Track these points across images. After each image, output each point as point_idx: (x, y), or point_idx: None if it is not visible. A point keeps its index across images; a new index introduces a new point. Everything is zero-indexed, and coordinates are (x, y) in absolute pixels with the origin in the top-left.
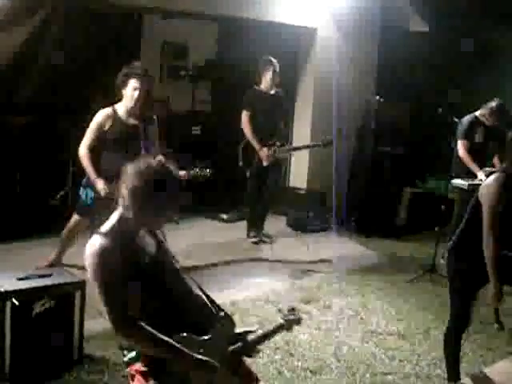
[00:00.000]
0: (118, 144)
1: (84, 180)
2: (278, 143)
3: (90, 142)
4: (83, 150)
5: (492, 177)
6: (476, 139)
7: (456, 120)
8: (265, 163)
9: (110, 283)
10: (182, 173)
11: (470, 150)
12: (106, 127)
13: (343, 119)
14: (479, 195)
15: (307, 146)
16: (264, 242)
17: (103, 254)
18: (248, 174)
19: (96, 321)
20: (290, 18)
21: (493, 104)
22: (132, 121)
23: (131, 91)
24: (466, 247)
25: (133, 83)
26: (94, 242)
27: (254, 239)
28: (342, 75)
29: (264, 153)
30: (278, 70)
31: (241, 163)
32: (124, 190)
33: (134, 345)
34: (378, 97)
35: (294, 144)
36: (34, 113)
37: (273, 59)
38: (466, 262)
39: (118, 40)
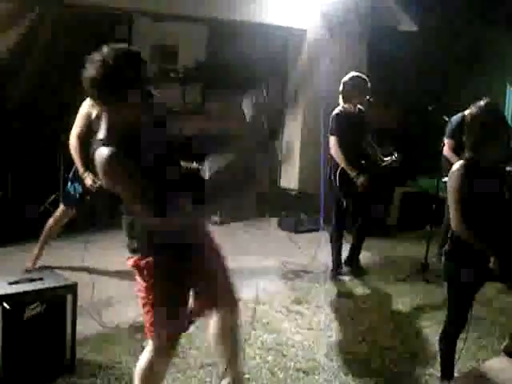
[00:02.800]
0: None
1: (71, 174)
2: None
3: (78, 130)
4: (72, 140)
5: (453, 167)
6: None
7: (446, 119)
8: (359, 190)
9: (132, 180)
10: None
11: (459, 149)
12: (93, 116)
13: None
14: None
15: (386, 164)
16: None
17: (115, 160)
18: (345, 202)
19: (88, 324)
20: (279, 19)
21: (482, 103)
22: None
23: None
24: (458, 248)
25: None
26: (103, 152)
27: (346, 276)
28: (331, 76)
29: (361, 181)
30: (367, 86)
31: (338, 190)
32: None
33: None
34: (367, 97)
35: None
36: (23, 118)
37: (359, 75)
38: (461, 263)
39: (107, 43)
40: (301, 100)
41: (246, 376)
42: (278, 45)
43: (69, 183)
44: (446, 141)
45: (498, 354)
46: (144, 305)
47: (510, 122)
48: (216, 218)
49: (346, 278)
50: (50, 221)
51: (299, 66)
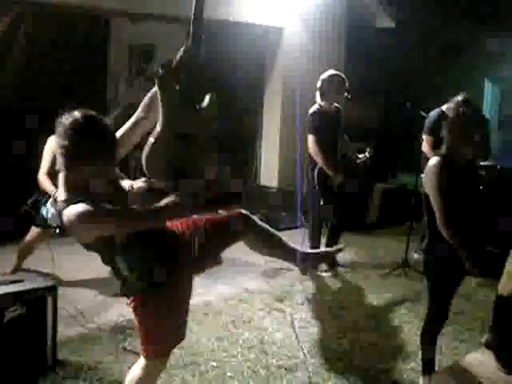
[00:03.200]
0: None
1: (44, 199)
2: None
3: (45, 169)
4: (41, 178)
5: (430, 163)
6: (442, 134)
7: (423, 115)
8: (334, 189)
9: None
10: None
11: (438, 145)
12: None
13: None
14: (424, 186)
15: (360, 162)
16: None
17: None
18: (322, 200)
19: (69, 325)
20: (256, 17)
21: (459, 98)
22: None
23: None
24: (437, 242)
25: None
26: (76, 208)
27: (326, 273)
28: (308, 73)
29: (338, 179)
30: (344, 85)
31: (317, 188)
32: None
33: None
34: (345, 94)
35: None
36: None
37: (337, 74)
38: (440, 258)
39: (86, 44)
40: (278, 97)
41: (228, 374)
42: (256, 43)
43: (42, 207)
44: (424, 137)
45: (478, 347)
46: (139, 329)
47: (487, 116)
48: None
49: (326, 275)
50: (25, 240)
51: (277, 64)
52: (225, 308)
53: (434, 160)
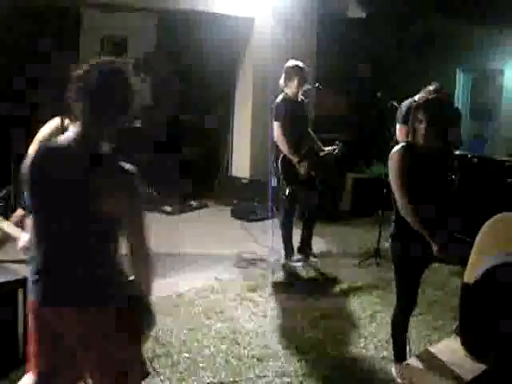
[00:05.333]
0: None
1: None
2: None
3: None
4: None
5: (392, 151)
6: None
7: (395, 105)
8: (302, 178)
9: None
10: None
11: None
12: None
13: None
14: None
15: (328, 153)
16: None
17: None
18: (289, 189)
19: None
20: (227, 8)
21: (431, 88)
22: None
23: None
24: (401, 229)
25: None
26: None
27: (298, 263)
28: (280, 64)
29: (304, 167)
30: (305, 75)
31: (282, 177)
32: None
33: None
34: (317, 84)
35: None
36: None
37: (298, 64)
38: (405, 244)
39: (56, 35)
40: (249, 88)
41: (200, 365)
42: (227, 34)
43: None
44: (398, 127)
45: (450, 335)
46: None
47: (460, 106)
48: (167, 208)
49: (299, 265)
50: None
51: (248, 54)
52: (197, 299)
53: (396, 147)
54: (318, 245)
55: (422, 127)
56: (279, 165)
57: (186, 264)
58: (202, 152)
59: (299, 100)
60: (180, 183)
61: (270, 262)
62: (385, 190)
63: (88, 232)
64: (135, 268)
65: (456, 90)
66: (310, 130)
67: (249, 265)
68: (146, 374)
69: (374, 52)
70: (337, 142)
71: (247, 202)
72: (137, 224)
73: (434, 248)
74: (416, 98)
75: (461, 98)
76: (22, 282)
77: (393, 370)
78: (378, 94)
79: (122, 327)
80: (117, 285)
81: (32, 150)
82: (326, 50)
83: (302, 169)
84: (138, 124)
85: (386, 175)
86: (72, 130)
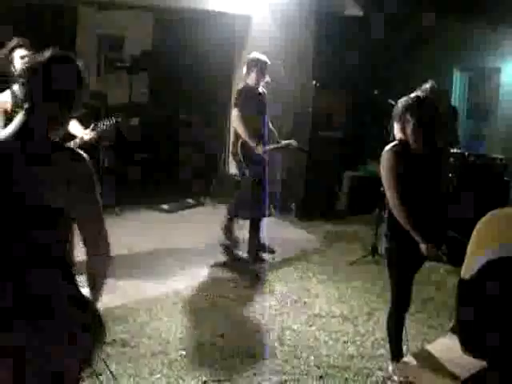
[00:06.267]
0: None
1: None
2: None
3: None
4: None
5: (385, 149)
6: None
7: (392, 102)
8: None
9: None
10: (87, 134)
11: None
12: (9, 110)
13: (279, 105)
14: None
15: (284, 146)
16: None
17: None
18: (247, 172)
19: None
20: (224, 6)
21: (427, 86)
22: None
23: (19, 60)
24: (394, 228)
25: (19, 53)
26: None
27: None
28: (277, 62)
29: (261, 150)
30: (264, 67)
31: (243, 163)
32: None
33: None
34: (314, 82)
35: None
36: None
37: (260, 57)
38: (398, 243)
39: (53, 33)
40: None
41: (197, 363)
42: (224, 32)
43: None
44: (395, 125)
45: (446, 333)
46: None
47: (456, 104)
48: (164, 206)
49: (298, 262)
50: None
51: (245, 52)
52: (194, 296)
53: (388, 146)
54: (315, 243)
55: (409, 128)
56: (238, 150)
57: (182, 262)
58: (199, 150)
59: (259, 91)
60: (177, 181)
61: (265, 259)
62: (381, 189)
63: (28, 231)
64: (88, 269)
65: (453, 89)
66: (269, 121)
67: (246, 263)
68: None
69: (371, 50)
70: (293, 142)
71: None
72: (89, 218)
73: (422, 247)
74: (412, 96)
75: (457, 96)
76: None
77: (389, 367)
78: (375, 92)
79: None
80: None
81: None
82: (323, 48)
83: (259, 150)
84: (135, 122)
85: None
86: (16, 120)
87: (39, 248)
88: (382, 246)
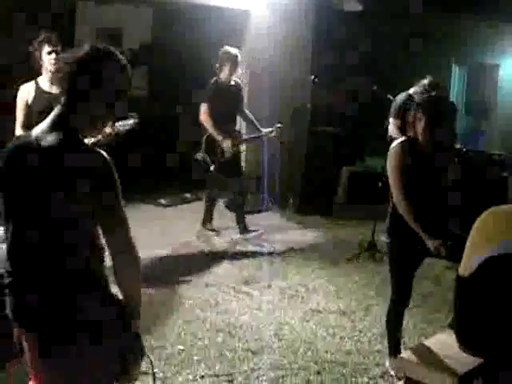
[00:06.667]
0: (44, 115)
1: None
2: (237, 133)
3: (21, 120)
4: (19, 131)
5: (392, 145)
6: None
7: (391, 98)
8: (227, 154)
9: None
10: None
11: (405, 128)
12: (30, 100)
13: (278, 100)
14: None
15: (267, 134)
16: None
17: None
18: (213, 166)
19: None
20: (223, 0)
21: (425, 82)
22: (56, 89)
23: (46, 56)
24: (397, 224)
25: (46, 48)
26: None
27: (211, 232)
28: (276, 57)
29: (228, 144)
30: (238, 61)
31: (206, 157)
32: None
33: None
34: (313, 77)
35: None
36: None
37: (233, 51)
38: (401, 239)
39: (51, 27)
40: (245, 81)
41: (195, 358)
42: (222, 26)
43: None
44: (391, 120)
45: (444, 329)
46: None
47: (454, 100)
48: (162, 201)
49: (295, 258)
50: None
51: (244, 47)
52: (191, 291)
53: (396, 141)
54: (313, 239)
55: (421, 126)
56: (203, 143)
57: (180, 256)
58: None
59: (231, 84)
60: (175, 176)
61: (264, 254)
62: (380, 184)
63: (54, 241)
64: (117, 276)
65: (451, 85)
66: (247, 111)
67: (244, 257)
68: None
69: (370, 45)
70: (277, 125)
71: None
72: (112, 220)
73: (429, 244)
74: (410, 91)
75: (456, 92)
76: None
77: (387, 363)
78: (374, 88)
79: (87, 369)
80: (87, 316)
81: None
82: (322, 43)
83: (225, 145)
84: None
85: (383, 168)
86: (53, 115)
87: (63, 249)
88: (383, 241)
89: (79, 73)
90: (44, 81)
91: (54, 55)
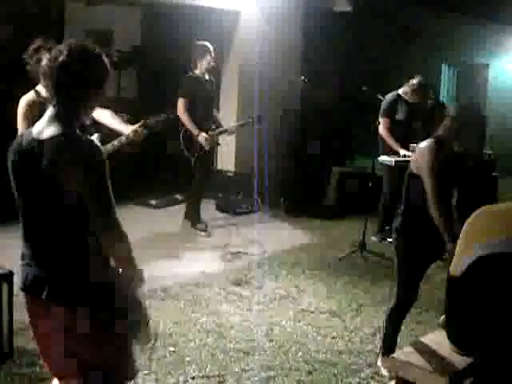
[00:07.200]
0: None
1: None
2: (213, 127)
3: (23, 130)
4: None
5: (423, 145)
6: (399, 117)
7: (381, 98)
8: (206, 147)
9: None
10: (134, 131)
11: (393, 128)
12: (34, 111)
13: (268, 101)
14: (414, 168)
15: (240, 125)
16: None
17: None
18: (193, 161)
19: (25, 313)
20: (213, 1)
21: (414, 81)
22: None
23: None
24: (410, 224)
25: (48, 56)
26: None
27: (203, 233)
28: (266, 58)
29: (203, 137)
30: (213, 55)
31: (185, 152)
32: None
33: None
34: (302, 77)
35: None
36: None
37: (208, 44)
38: (413, 239)
39: (40, 29)
40: (235, 81)
41: (186, 359)
42: (212, 27)
43: None
44: (380, 119)
45: (436, 329)
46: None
47: (444, 99)
48: (152, 202)
49: (286, 258)
50: None
51: (233, 48)
52: (182, 292)
53: (428, 141)
54: (303, 239)
55: (466, 134)
56: (181, 137)
57: (170, 257)
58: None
59: (206, 79)
60: (165, 176)
61: (255, 255)
62: (370, 184)
63: (57, 221)
64: (110, 255)
65: (441, 85)
66: (214, 109)
67: (234, 258)
68: (132, 375)
69: (360, 45)
70: (249, 119)
71: (232, 196)
72: (98, 201)
73: (449, 246)
74: (400, 91)
75: (446, 91)
76: (6, 277)
77: (379, 362)
78: (364, 89)
79: (92, 328)
80: (91, 281)
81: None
82: (313, 44)
83: (200, 139)
84: (124, 118)
85: (373, 169)
86: (46, 114)
87: (61, 231)
88: (395, 246)
89: (61, 74)
90: (44, 88)
91: None
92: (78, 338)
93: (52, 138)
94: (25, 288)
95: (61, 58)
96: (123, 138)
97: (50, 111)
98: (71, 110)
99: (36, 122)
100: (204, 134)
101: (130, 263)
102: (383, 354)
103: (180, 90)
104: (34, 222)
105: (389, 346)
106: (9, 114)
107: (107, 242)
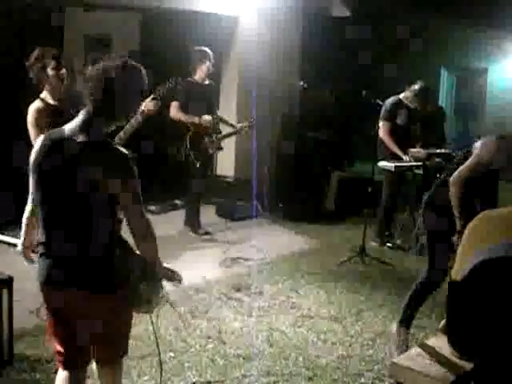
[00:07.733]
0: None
1: None
2: (219, 130)
3: (35, 137)
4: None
5: (491, 138)
6: (399, 121)
7: (380, 103)
8: (210, 151)
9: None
10: (147, 105)
11: (394, 133)
12: (42, 118)
13: (267, 106)
14: (473, 148)
15: (248, 126)
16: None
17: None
18: (198, 164)
19: (25, 318)
20: (211, 6)
21: (416, 87)
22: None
23: (52, 71)
24: (440, 200)
25: (53, 63)
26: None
27: (206, 236)
28: (265, 62)
29: (206, 119)
30: (212, 60)
31: (192, 155)
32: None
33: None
34: (301, 82)
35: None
36: None
37: (207, 50)
38: (442, 215)
39: (40, 34)
40: (234, 86)
41: (186, 364)
42: (211, 32)
43: None
44: (381, 124)
45: (436, 333)
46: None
47: (443, 104)
48: (152, 207)
49: (286, 263)
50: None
51: (232, 53)
52: (182, 298)
53: (492, 137)
54: (303, 244)
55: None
56: (187, 141)
57: (170, 263)
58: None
59: (205, 83)
60: (164, 182)
61: (254, 260)
62: (369, 189)
63: (83, 216)
64: (139, 247)
65: (440, 89)
66: (217, 113)
67: (234, 264)
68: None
69: (359, 50)
70: (251, 120)
71: (232, 201)
72: (132, 205)
73: (454, 240)
74: (401, 96)
75: (445, 96)
76: (6, 282)
77: (393, 327)
78: (364, 93)
79: (125, 305)
80: (110, 270)
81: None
82: (311, 49)
83: (204, 121)
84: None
85: (372, 173)
86: (78, 118)
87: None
88: (425, 219)
89: (107, 86)
90: (48, 95)
91: (64, 70)
92: (118, 315)
93: (94, 144)
94: (53, 282)
95: (113, 71)
96: (138, 116)
97: (83, 115)
98: (111, 117)
99: (46, 128)
100: (207, 116)
101: (156, 253)
102: (402, 324)
103: (176, 95)
104: (63, 218)
105: (407, 319)
106: (7, 118)
107: (143, 241)
